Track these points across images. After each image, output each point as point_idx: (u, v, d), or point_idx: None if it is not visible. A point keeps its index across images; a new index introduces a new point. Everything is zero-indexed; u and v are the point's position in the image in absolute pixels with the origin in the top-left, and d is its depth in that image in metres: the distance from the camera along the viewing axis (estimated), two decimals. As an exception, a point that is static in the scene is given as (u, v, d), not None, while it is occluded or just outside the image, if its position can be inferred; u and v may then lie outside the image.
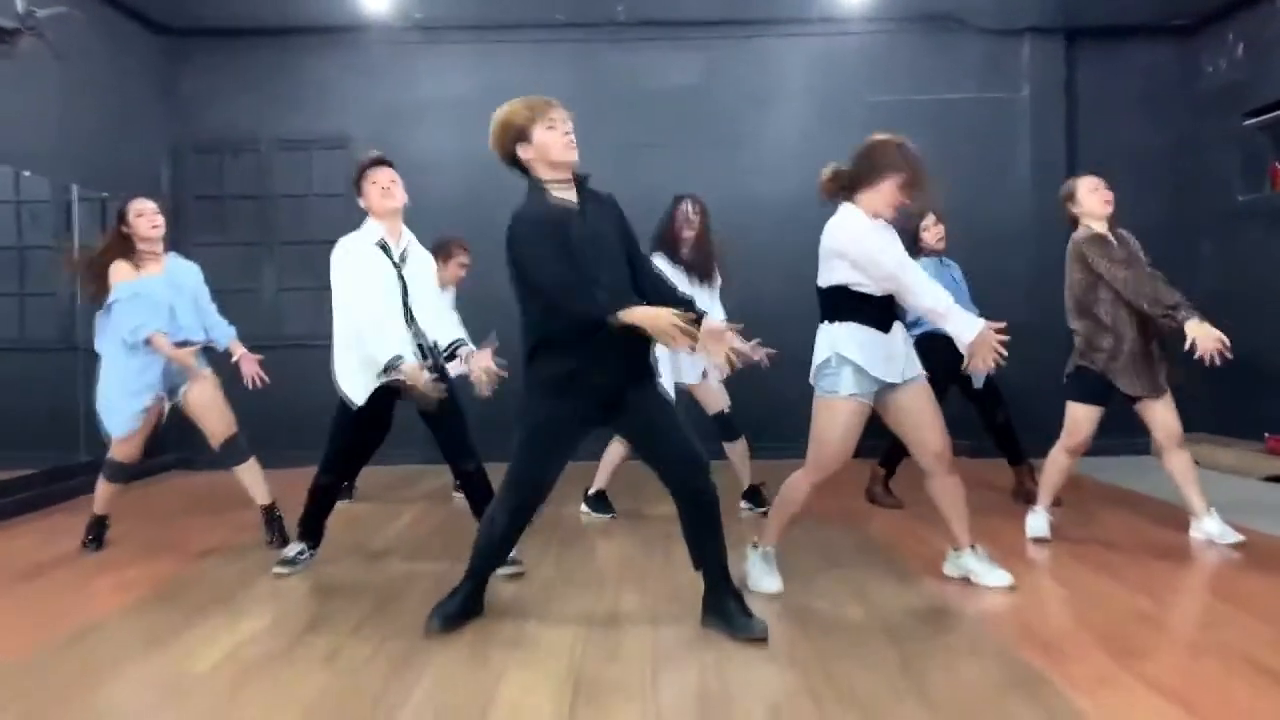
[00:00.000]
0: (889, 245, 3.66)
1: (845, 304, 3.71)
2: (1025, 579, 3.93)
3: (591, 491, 5.46)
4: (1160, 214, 7.35)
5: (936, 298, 3.55)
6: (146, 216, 4.67)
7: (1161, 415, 4.66)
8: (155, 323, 4.60)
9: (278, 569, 4.30)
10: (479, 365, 3.91)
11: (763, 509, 5.26)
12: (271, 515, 4.86)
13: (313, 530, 4.41)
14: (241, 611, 3.71)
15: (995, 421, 5.74)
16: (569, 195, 3.33)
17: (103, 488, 4.84)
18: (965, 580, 3.93)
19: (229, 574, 4.31)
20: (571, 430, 3.35)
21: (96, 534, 4.86)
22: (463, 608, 3.48)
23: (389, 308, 4.13)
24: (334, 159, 7.66)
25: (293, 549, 4.37)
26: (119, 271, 4.64)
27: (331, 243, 7.55)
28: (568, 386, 3.25)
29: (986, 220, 7.42)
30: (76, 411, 6.58)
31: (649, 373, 3.39)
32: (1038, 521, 4.75)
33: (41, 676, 3.05)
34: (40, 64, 5.84)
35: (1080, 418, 4.71)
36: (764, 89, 7.72)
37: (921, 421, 3.79)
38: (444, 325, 4.28)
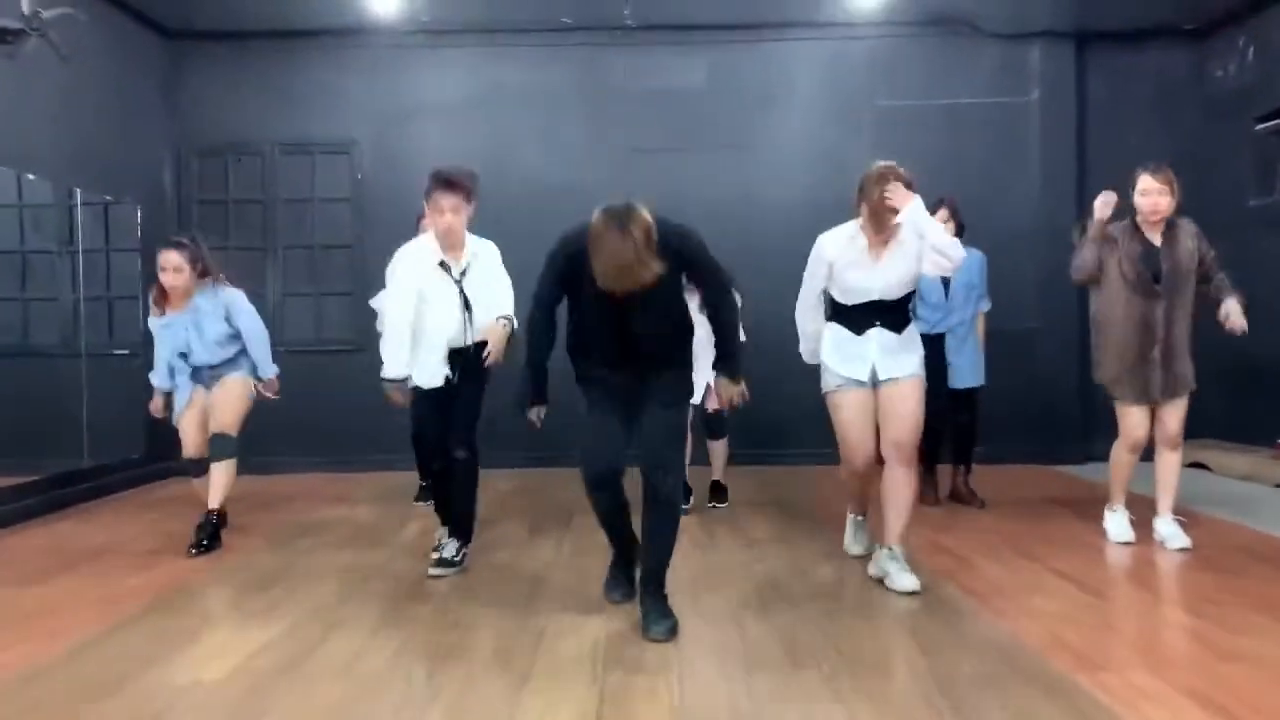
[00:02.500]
0: (813, 267, 4.18)
1: (830, 307, 4.24)
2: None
3: None
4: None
5: (799, 318, 4.30)
6: (165, 272, 4.89)
7: (1165, 413, 4.68)
8: (168, 353, 5.00)
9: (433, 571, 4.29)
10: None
11: (722, 504, 5.74)
12: (209, 520, 4.89)
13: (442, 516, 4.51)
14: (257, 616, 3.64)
15: (959, 420, 5.89)
16: None
17: (194, 486, 5.14)
18: (880, 581, 4.01)
19: (233, 583, 4.24)
20: (609, 406, 3.56)
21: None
22: (626, 576, 3.77)
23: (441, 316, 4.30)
24: (338, 163, 7.65)
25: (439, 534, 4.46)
26: (152, 310, 5.09)
27: (335, 247, 7.62)
28: (588, 381, 3.61)
29: (996, 223, 7.33)
30: (80, 417, 6.50)
31: (660, 373, 3.55)
32: (1117, 523, 4.81)
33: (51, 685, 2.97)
34: (44, 66, 5.77)
35: (1128, 417, 4.72)
36: (771, 93, 7.65)
37: (891, 413, 4.05)
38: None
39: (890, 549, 3.98)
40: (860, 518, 4.52)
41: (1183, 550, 4.51)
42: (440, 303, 4.29)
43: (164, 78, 7.52)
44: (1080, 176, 7.56)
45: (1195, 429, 7.31)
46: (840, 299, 4.15)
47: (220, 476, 4.92)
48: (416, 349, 4.29)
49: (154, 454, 7.01)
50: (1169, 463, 4.71)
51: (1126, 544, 4.67)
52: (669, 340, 3.57)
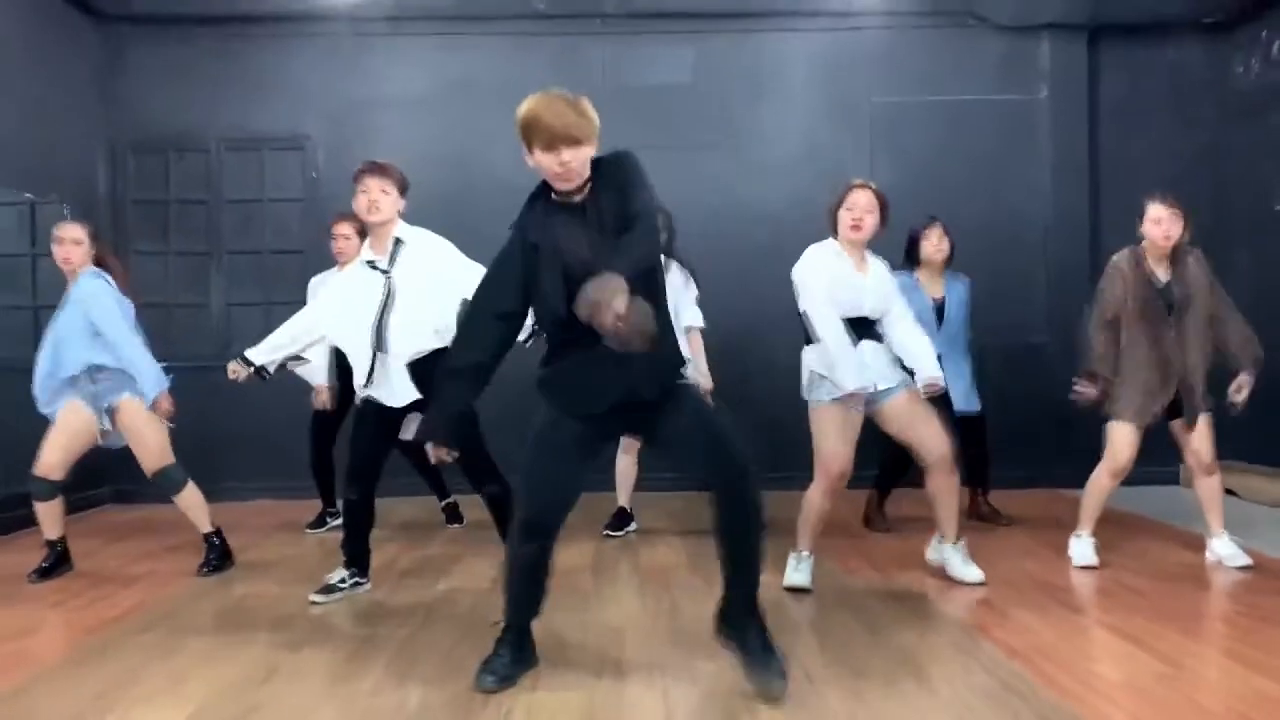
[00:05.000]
0: (812, 282, 4.09)
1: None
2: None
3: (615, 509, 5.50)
4: (1191, 223, 6.88)
5: (826, 344, 4.02)
6: (61, 244, 4.58)
7: (1191, 435, 4.61)
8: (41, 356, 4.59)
9: (315, 598, 4.06)
10: None
11: None
12: (210, 543, 4.69)
13: (355, 555, 4.19)
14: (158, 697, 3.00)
15: (967, 449, 5.41)
16: (578, 194, 2.96)
17: (36, 510, 4.62)
18: (942, 569, 4.33)
19: (146, 642, 3.59)
20: (568, 444, 2.96)
21: (49, 560, 4.64)
22: (513, 661, 3.07)
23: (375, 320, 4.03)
24: (289, 160, 7.12)
25: (334, 575, 4.16)
26: None
27: (285, 252, 7.02)
28: (557, 401, 2.98)
29: (1002, 230, 6.99)
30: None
31: (670, 383, 2.97)
32: (1083, 549, 4.61)
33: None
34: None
35: (1119, 438, 4.57)
36: (761, 87, 7.16)
37: (914, 424, 4.13)
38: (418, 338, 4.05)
39: (955, 544, 4.29)
40: (807, 554, 4.22)
41: (1245, 569, 4.42)
42: (369, 303, 4.03)
43: (97, 66, 6.94)
44: (1093, 180, 7.14)
45: (1222, 451, 6.86)
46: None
47: (189, 504, 4.67)
48: (379, 364, 4.04)
49: (77, 482, 6.37)
50: (1209, 486, 4.61)
51: (1089, 568, 4.50)
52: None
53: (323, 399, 5.56)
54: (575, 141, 2.83)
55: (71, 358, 4.50)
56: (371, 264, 4.06)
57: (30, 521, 5.68)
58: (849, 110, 7.09)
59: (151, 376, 4.50)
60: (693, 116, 7.01)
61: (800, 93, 7.15)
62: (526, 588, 3.08)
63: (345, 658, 3.34)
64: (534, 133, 2.85)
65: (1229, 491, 6.28)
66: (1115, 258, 4.65)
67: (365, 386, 4.05)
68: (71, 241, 4.54)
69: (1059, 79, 7.14)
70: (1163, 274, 4.54)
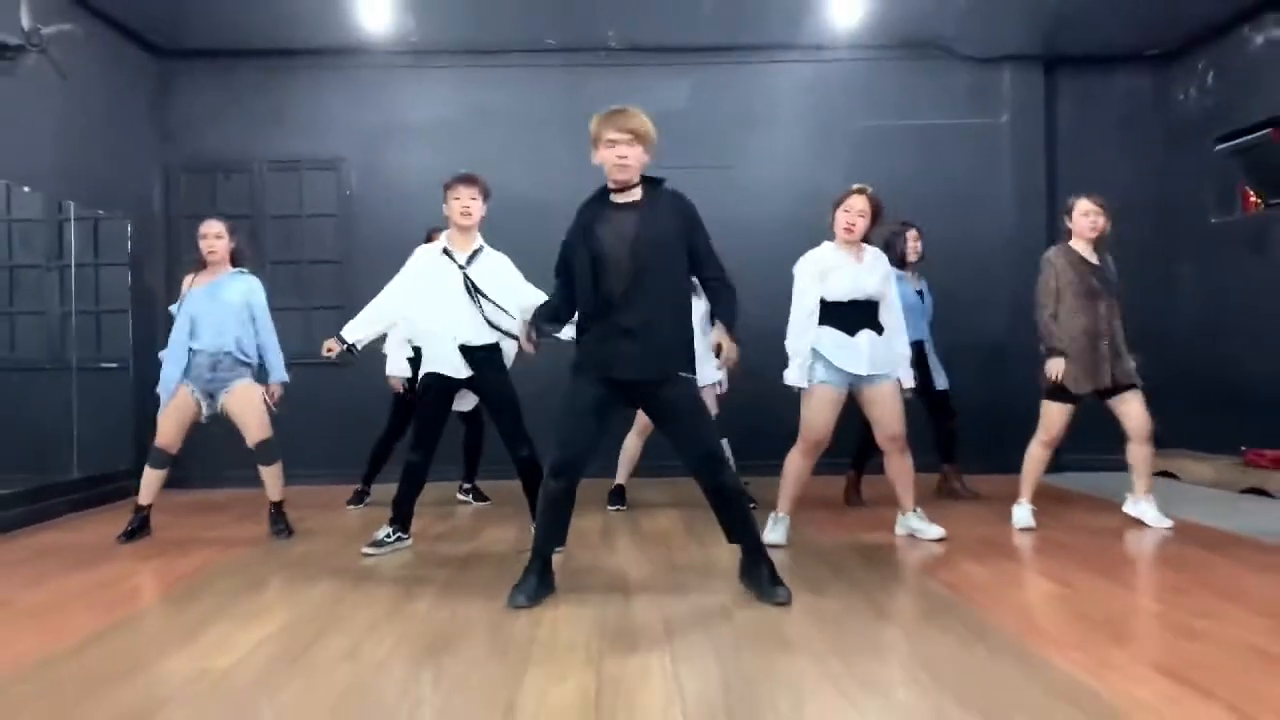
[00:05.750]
0: (804, 281, 4.73)
1: (821, 313, 4.71)
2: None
3: (613, 486, 6.16)
4: (1138, 237, 7.53)
5: (793, 339, 4.72)
6: (205, 238, 5.29)
7: (1128, 409, 5.20)
8: (178, 333, 5.20)
9: (366, 550, 4.77)
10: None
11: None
12: (278, 510, 5.41)
13: (401, 514, 4.85)
14: (256, 615, 3.71)
15: (946, 427, 6.33)
16: (630, 196, 3.75)
17: (145, 474, 5.31)
18: (910, 535, 4.98)
19: (234, 583, 4.30)
20: (589, 404, 3.71)
21: (134, 523, 5.26)
22: (539, 573, 3.78)
23: (447, 304, 4.67)
24: (325, 179, 7.74)
25: (381, 531, 4.85)
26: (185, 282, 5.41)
27: (321, 262, 7.68)
28: (580, 367, 3.75)
29: (968, 241, 7.57)
30: (70, 430, 6.54)
31: (672, 371, 3.71)
32: (1023, 513, 5.31)
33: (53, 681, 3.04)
34: (41, 82, 5.85)
35: (1053, 414, 5.25)
36: (752, 114, 7.80)
37: (884, 409, 4.79)
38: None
39: (914, 511, 4.98)
40: (784, 515, 4.86)
41: (1168, 529, 5.12)
42: (443, 288, 4.67)
43: (154, 95, 7.58)
44: (1050, 196, 7.75)
45: (1164, 440, 7.54)
46: (833, 298, 4.69)
47: (274, 475, 5.38)
48: (429, 341, 4.76)
49: (143, 465, 7.05)
50: (1143, 453, 5.20)
51: (1027, 529, 5.22)
52: (665, 317, 3.68)
53: (396, 384, 6.16)
54: (633, 139, 3.63)
55: (224, 339, 5.16)
56: (447, 252, 4.71)
57: (106, 500, 6.45)
58: (831, 134, 7.73)
59: (282, 363, 5.37)
60: (688, 141, 7.54)
61: (787, 119, 7.80)
62: (554, 519, 3.83)
63: (401, 591, 4.05)
64: (604, 126, 3.65)
65: (1170, 474, 7.02)
66: (1046, 253, 5.36)
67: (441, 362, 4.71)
68: (214, 236, 5.26)
69: (1019, 105, 7.81)
70: (1091, 259, 5.23)
